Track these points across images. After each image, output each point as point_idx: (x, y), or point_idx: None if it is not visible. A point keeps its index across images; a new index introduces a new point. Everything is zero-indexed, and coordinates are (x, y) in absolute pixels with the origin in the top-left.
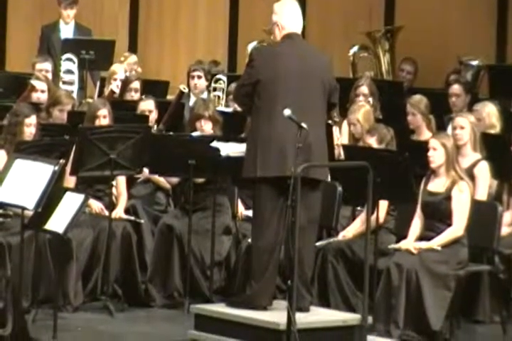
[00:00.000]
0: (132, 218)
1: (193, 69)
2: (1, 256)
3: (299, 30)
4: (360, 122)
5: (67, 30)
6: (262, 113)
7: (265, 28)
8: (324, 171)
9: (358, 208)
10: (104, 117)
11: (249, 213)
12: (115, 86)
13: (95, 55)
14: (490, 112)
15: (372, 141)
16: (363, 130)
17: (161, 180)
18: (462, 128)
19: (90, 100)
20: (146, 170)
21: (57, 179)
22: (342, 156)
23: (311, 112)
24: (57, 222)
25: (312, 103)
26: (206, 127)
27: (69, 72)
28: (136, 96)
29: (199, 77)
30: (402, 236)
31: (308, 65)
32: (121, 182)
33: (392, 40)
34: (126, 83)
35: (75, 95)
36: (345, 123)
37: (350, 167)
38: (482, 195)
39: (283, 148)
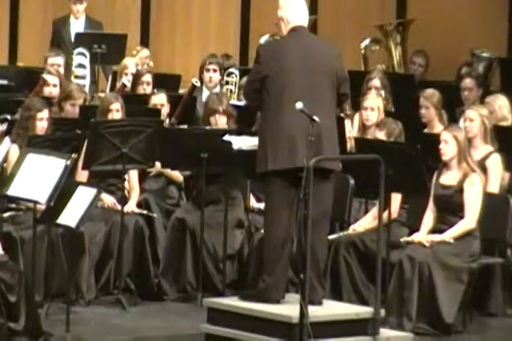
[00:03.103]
0: (145, 212)
1: (209, 63)
2: (14, 250)
3: (304, 23)
4: (379, 109)
5: (77, 25)
6: (271, 107)
7: (276, 21)
8: (336, 161)
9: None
10: (117, 111)
11: (261, 206)
12: (126, 80)
13: (107, 49)
14: (502, 105)
15: (381, 135)
16: (378, 118)
17: (174, 174)
18: (472, 120)
19: (102, 94)
20: (158, 164)
21: (69, 173)
22: (354, 149)
23: (319, 104)
24: (70, 216)
25: (320, 95)
26: (221, 122)
27: (81, 66)
28: (148, 89)
29: (214, 70)
30: (414, 229)
31: (315, 57)
32: (133, 176)
33: (404, 33)
34: (137, 76)
35: (87, 89)
36: (357, 116)
37: (362, 160)
38: (494, 188)
39: (292, 140)
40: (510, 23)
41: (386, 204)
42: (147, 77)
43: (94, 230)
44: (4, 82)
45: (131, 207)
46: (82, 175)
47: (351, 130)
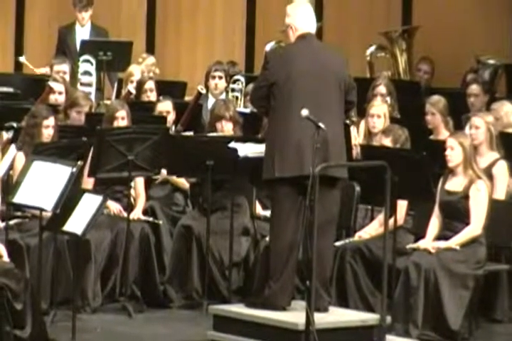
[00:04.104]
0: (150, 219)
1: (215, 70)
2: (20, 257)
3: (312, 30)
4: (385, 116)
5: (83, 32)
6: (278, 114)
7: (282, 29)
8: (342, 169)
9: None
10: (122, 119)
11: (267, 213)
12: (132, 87)
13: (113, 56)
14: (508, 111)
15: (387, 142)
16: (384, 125)
17: (180, 181)
18: (477, 128)
19: (108, 102)
20: (164, 171)
21: (75, 180)
22: (360, 156)
23: (327, 111)
24: (76, 223)
25: (328, 102)
26: (227, 128)
27: (87, 73)
28: (152, 95)
29: (220, 77)
30: (420, 235)
31: (323, 64)
32: (139, 183)
33: (409, 40)
34: (140, 84)
35: (92, 97)
36: (363, 123)
37: (368, 166)
38: (500, 194)
39: (300, 148)
40: None
41: (392, 211)
42: (150, 84)
43: (100, 237)
44: (10, 89)
45: (137, 214)
46: (88, 183)
47: (357, 137)
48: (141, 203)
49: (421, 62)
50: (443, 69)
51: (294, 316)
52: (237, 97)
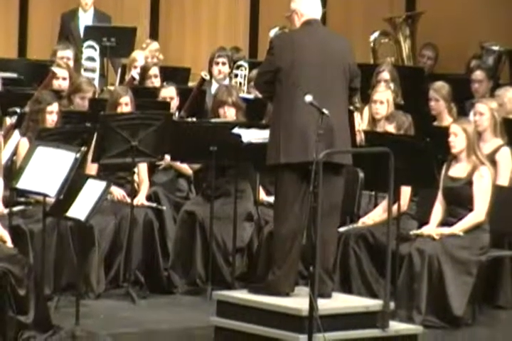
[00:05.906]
0: (154, 205)
1: (218, 56)
2: (23, 243)
3: (318, 16)
4: (389, 102)
5: (86, 18)
6: (284, 100)
7: (286, 14)
8: (347, 155)
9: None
10: (126, 105)
11: (271, 199)
12: (135, 73)
13: (116, 42)
14: (511, 97)
15: (391, 128)
16: (388, 111)
17: (183, 167)
18: (481, 114)
19: (111, 87)
20: (167, 157)
21: (78, 166)
22: (363, 142)
23: (332, 97)
24: (79, 209)
25: (333, 88)
26: (229, 113)
27: (90, 59)
28: (156, 81)
29: (223, 63)
30: (423, 221)
31: (328, 51)
32: (142, 169)
33: (413, 26)
34: (144, 70)
35: (96, 82)
36: (366, 109)
37: (371, 153)
38: (504, 180)
39: (305, 134)
40: None
41: (396, 197)
42: (154, 70)
43: (103, 223)
44: (14, 75)
45: (140, 200)
46: (92, 168)
47: (361, 123)
48: (144, 189)
49: (425, 48)
50: (447, 55)
51: (298, 302)
52: (240, 83)
